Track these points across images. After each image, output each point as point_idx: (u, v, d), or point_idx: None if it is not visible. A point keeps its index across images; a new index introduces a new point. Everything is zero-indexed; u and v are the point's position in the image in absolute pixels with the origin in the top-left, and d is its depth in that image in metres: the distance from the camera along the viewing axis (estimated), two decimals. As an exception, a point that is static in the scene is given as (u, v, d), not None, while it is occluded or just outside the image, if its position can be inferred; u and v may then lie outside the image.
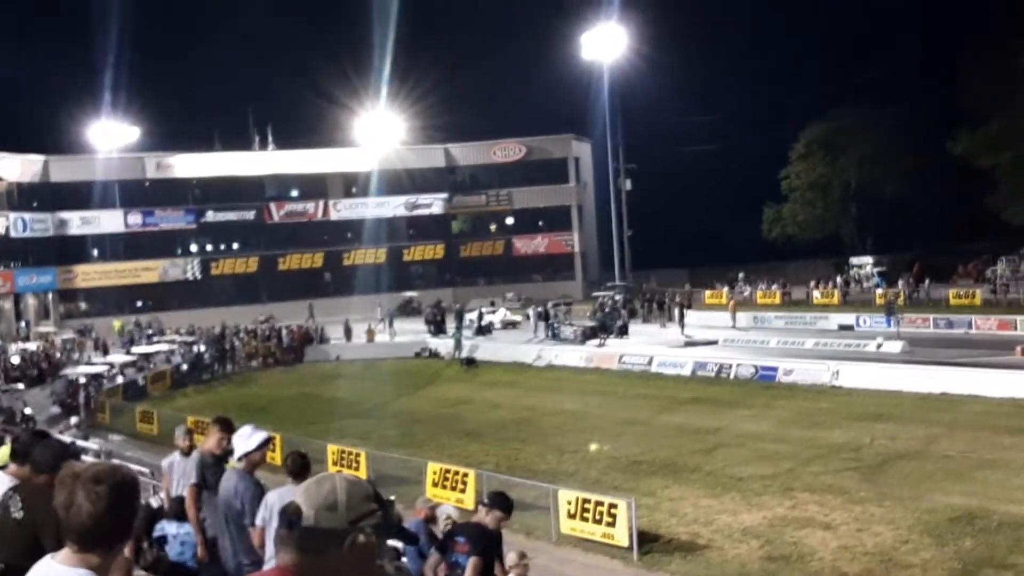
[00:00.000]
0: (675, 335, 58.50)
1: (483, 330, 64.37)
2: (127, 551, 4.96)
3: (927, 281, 66.53)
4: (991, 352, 44.73)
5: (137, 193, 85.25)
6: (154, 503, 12.36)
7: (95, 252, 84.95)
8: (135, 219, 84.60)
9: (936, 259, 74.13)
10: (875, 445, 30.47)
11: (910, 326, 53.44)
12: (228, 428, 9.72)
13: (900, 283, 66.74)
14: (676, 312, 62.69)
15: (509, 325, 67.63)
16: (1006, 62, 71.34)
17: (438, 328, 65.08)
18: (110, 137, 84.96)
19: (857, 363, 43.53)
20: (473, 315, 66.31)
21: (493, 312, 68.05)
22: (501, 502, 10.20)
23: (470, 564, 9.29)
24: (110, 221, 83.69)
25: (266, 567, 4.04)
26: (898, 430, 32.33)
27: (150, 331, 70.31)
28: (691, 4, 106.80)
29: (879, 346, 48.24)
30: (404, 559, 12.02)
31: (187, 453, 12.88)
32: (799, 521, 23.46)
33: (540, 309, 64.61)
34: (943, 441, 30.51)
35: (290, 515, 2.66)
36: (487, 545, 9.66)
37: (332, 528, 2.62)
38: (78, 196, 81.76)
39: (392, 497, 14.99)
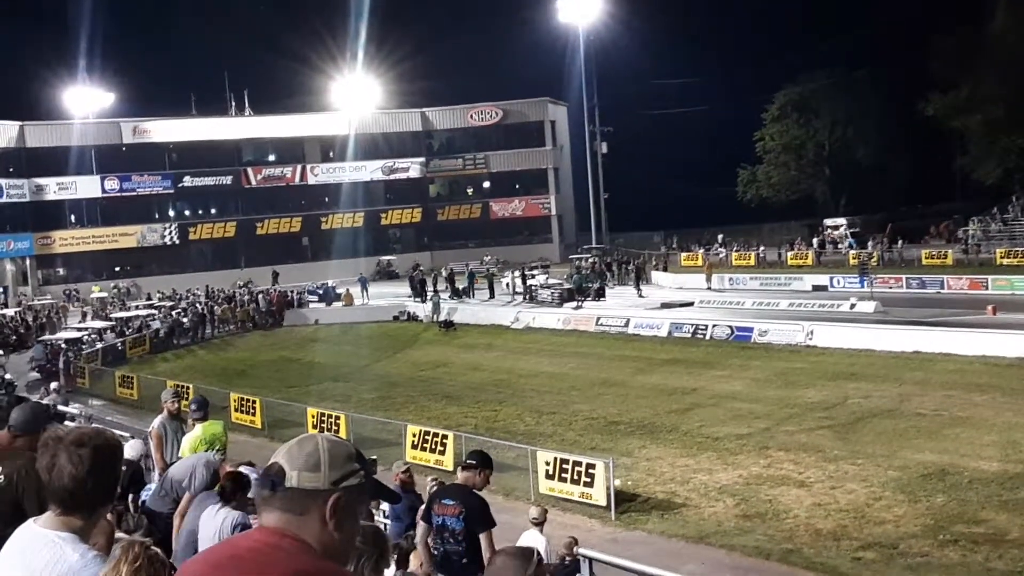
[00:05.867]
0: (649, 297, 58.96)
1: (460, 292, 64.30)
2: (109, 515, 5.02)
3: (900, 242, 66.79)
4: (963, 311, 45.11)
5: (114, 158, 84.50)
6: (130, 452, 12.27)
7: (72, 218, 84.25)
8: (112, 184, 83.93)
9: (908, 220, 74.46)
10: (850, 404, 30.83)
11: (883, 286, 53.74)
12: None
13: (870, 244, 66.97)
14: (633, 275, 63.40)
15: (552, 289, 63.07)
16: (976, 26, 71.56)
17: (420, 291, 64.37)
18: (86, 102, 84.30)
19: (831, 323, 43.77)
20: (513, 277, 65.09)
21: (539, 274, 66.75)
22: (488, 459, 10.29)
23: (485, 539, 9.25)
24: (87, 186, 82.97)
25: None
26: (871, 389, 32.61)
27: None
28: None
29: (852, 306, 48.46)
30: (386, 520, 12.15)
31: (175, 416, 13.01)
32: (774, 479, 23.71)
33: (519, 272, 64.66)
34: (915, 399, 30.74)
35: (272, 476, 2.62)
36: (489, 513, 9.71)
37: (314, 488, 2.60)
38: (54, 162, 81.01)
39: (374, 456, 15.14)
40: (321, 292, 67.23)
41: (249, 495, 8.01)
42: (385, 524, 13.16)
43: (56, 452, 3.35)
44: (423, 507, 10.26)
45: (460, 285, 65.33)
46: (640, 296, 59.98)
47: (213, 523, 7.58)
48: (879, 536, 19.68)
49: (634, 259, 70.89)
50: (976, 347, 36.45)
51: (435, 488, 11.49)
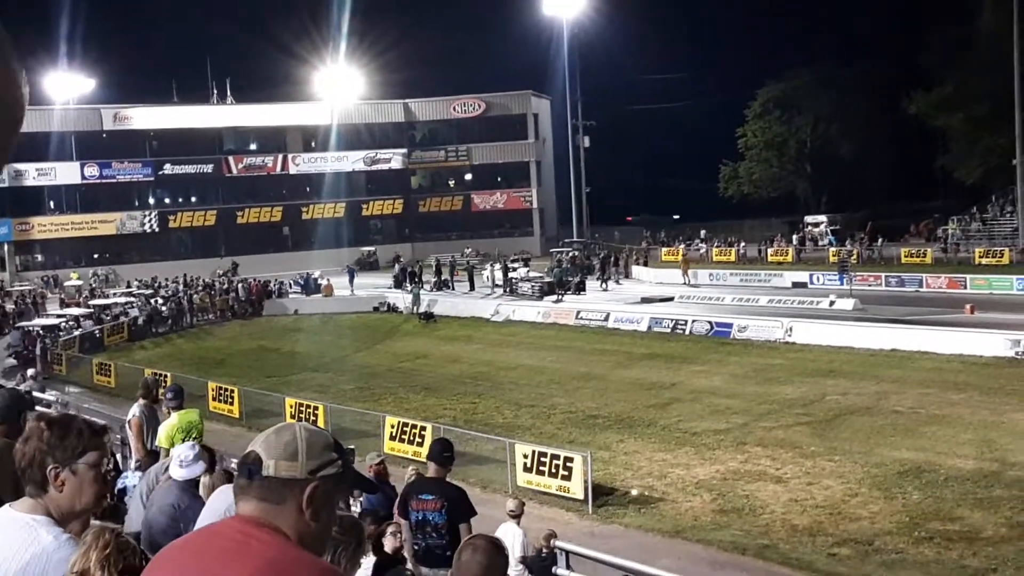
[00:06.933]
0: (615, 291, 59.27)
1: (442, 284, 64.25)
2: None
3: (879, 239, 67.05)
4: (941, 310, 45.37)
5: (94, 145, 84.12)
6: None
7: (51, 204, 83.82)
8: (92, 171, 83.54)
9: (889, 218, 74.76)
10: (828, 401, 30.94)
11: (862, 284, 53.93)
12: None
13: (848, 242, 67.20)
14: (598, 269, 63.58)
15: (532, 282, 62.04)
16: (961, 25, 71.87)
17: (411, 282, 63.64)
18: (66, 88, 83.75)
19: (810, 320, 43.90)
20: (496, 269, 64.82)
21: (520, 267, 65.66)
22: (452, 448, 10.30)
23: (465, 529, 9.24)
24: (66, 173, 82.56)
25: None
26: (849, 386, 32.72)
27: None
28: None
29: (832, 303, 48.58)
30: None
31: (156, 402, 13.01)
32: (751, 475, 23.77)
33: (499, 264, 64.64)
34: (893, 397, 30.85)
35: (249, 465, 2.59)
36: (469, 502, 9.68)
37: (292, 477, 2.56)
38: (34, 147, 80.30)
39: (352, 446, 15.11)
40: (303, 283, 67.03)
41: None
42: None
43: (31, 436, 3.39)
44: (400, 503, 10.14)
45: (443, 277, 65.34)
46: (604, 290, 60.18)
47: (220, 503, 7.42)
48: (855, 532, 19.76)
49: (606, 253, 70.75)
50: (954, 346, 36.64)
51: (413, 480, 11.42)
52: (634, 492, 23.09)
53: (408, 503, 9.74)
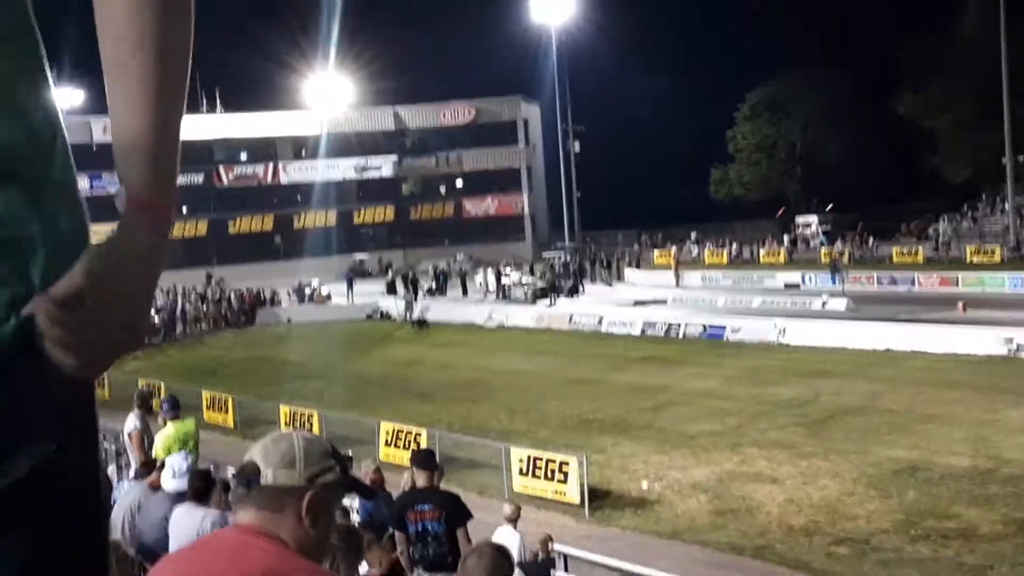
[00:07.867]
0: (627, 293, 59.19)
1: (434, 290, 64.19)
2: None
3: (871, 239, 67.15)
4: (933, 309, 45.34)
5: (84, 157, 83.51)
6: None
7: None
8: (82, 184, 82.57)
9: (880, 218, 74.87)
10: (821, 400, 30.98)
11: (855, 284, 54.03)
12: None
13: (839, 242, 67.29)
14: (574, 276, 63.55)
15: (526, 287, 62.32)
16: (947, 26, 72.11)
17: (413, 291, 62.89)
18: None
19: (803, 320, 43.94)
20: (489, 276, 64.78)
21: (512, 271, 65.61)
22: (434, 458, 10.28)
23: (462, 533, 9.22)
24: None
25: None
26: (843, 386, 32.72)
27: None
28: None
29: (824, 304, 48.65)
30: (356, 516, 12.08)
31: (150, 412, 13.02)
32: (747, 476, 23.78)
33: (494, 270, 64.62)
34: (887, 396, 30.86)
35: (248, 474, 2.57)
36: (465, 506, 9.64)
37: (290, 485, 2.53)
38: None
39: (349, 452, 15.10)
40: (299, 292, 67.04)
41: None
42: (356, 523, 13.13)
43: None
44: (394, 516, 10.03)
45: (434, 283, 65.37)
46: (580, 294, 60.07)
47: (190, 522, 7.39)
48: (851, 531, 19.78)
49: (591, 257, 70.67)
50: (946, 344, 36.59)
51: (406, 491, 11.33)
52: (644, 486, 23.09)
53: (404, 515, 9.63)
